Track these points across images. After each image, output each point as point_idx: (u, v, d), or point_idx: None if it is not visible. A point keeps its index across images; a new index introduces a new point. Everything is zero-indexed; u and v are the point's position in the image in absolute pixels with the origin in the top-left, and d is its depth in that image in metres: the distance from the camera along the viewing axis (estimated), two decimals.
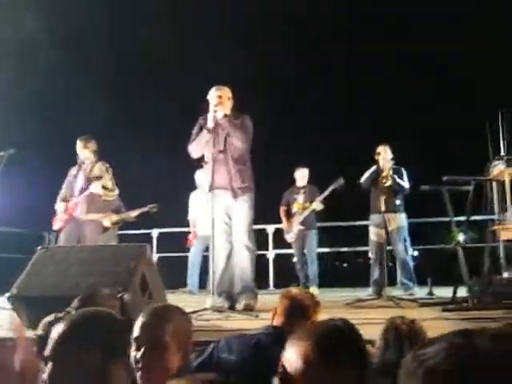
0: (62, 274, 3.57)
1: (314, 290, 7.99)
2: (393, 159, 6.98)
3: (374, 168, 7.02)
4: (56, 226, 6.30)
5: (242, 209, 5.33)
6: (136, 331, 1.94)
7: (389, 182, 6.80)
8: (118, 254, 3.65)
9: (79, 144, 6.53)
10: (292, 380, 1.34)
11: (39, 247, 3.89)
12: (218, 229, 5.32)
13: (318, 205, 8.06)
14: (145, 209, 7.66)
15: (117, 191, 6.62)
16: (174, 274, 9.39)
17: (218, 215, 5.31)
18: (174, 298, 6.77)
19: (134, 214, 7.53)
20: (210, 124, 5.16)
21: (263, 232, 9.47)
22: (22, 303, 3.49)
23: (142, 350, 1.90)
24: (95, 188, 6.27)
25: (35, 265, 3.76)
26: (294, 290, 2.91)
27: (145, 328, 1.94)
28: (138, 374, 1.88)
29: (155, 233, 10.01)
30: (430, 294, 6.69)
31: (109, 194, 6.48)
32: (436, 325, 4.37)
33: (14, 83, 9.22)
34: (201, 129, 5.30)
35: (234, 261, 5.33)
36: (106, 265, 3.53)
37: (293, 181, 8.48)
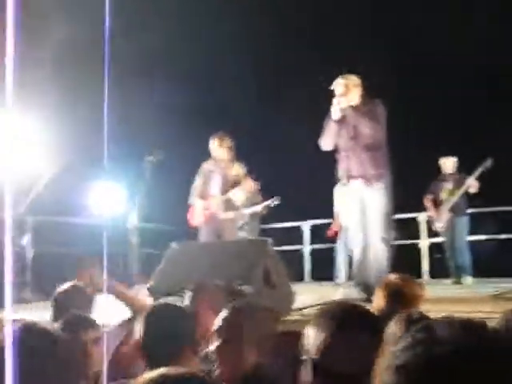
0: (190, 269, 3.80)
1: (466, 280, 7.61)
2: None
3: None
4: (195, 221, 6.41)
5: (376, 197, 5.17)
6: (216, 324, 2.05)
7: None
8: (242, 249, 3.80)
9: (214, 142, 6.48)
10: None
11: (173, 243, 4.17)
12: (353, 219, 5.29)
13: (471, 182, 7.64)
14: (267, 202, 7.81)
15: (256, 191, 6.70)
16: (326, 265, 9.45)
17: (353, 205, 5.28)
18: (316, 289, 6.88)
19: (258, 208, 7.71)
20: (336, 115, 5.14)
21: (414, 221, 9.20)
22: (157, 295, 3.76)
23: (219, 342, 2.00)
24: (238, 196, 6.29)
25: (168, 260, 4.03)
26: (392, 277, 2.86)
27: (224, 322, 2.04)
28: (215, 365, 1.99)
29: (307, 225, 10.12)
30: None
31: (249, 197, 6.60)
32: None
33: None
34: None
35: (370, 252, 5.25)
36: (231, 260, 3.69)
37: (439, 170, 8.16)
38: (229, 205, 6.32)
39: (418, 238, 9.24)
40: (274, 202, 7.64)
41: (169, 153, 6.52)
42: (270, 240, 3.86)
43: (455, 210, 7.82)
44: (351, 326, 1.50)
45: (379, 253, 5.15)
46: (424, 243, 9.13)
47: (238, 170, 6.45)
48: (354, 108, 5.22)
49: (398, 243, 8.37)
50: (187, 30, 10.70)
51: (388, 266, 5.20)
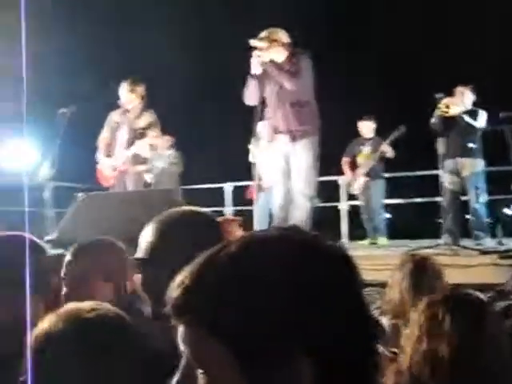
0: (97, 219, 3.69)
1: (382, 240, 7.85)
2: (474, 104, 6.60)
3: (435, 112, 6.59)
4: (106, 183, 5.91)
5: (300, 154, 5.11)
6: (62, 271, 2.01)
7: (455, 111, 6.36)
8: (148, 198, 3.72)
9: (125, 86, 5.91)
10: None
11: (80, 195, 4.04)
12: (276, 176, 5.25)
13: (384, 148, 7.80)
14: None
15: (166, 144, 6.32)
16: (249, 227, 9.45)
17: (276, 162, 5.23)
18: None
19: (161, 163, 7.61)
20: (255, 70, 5.04)
21: (335, 183, 9.30)
22: (61, 247, 3.63)
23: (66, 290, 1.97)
24: (142, 149, 5.79)
25: (75, 211, 3.90)
26: None
27: (67, 268, 2.01)
28: None
29: (229, 187, 10.06)
30: (500, 243, 6.28)
31: (153, 154, 6.15)
32: (487, 271, 4.25)
33: None
34: None
35: (292, 208, 5.21)
36: (137, 210, 3.58)
37: (357, 132, 8.27)
38: (136, 159, 5.87)
39: (338, 200, 9.37)
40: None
41: (81, 107, 6.22)
42: (177, 189, 3.81)
43: (371, 174, 7.95)
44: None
45: (299, 210, 5.11)
46: (343, 206, 9.26)
47: (147, 119, 5.91)
48: (278, 64, 5.10)
49: (320, 205, 8.45)
50: None
51: (308, 223, 5.19)
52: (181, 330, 0.77)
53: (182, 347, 0.77)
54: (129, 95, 5.89)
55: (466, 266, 4.34)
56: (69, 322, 1.20)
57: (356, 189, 8.11)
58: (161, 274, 1.37)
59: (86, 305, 1.28)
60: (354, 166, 8.11)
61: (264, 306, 0.74)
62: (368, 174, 7.95)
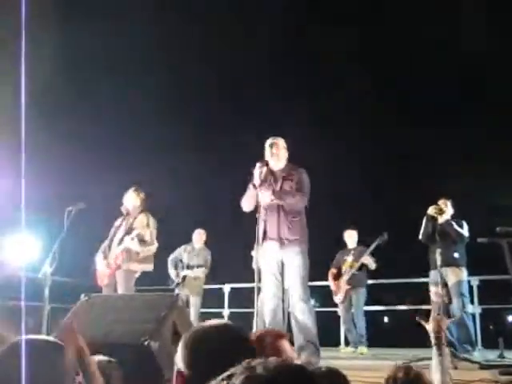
0: (98, 321, 3.70)
1: (362, 349, 7.69)
2: (453, 215, 6.75)
3: (425, 219, 6.70)
4: (102, 282, 6.20)
5: (293, 262, 5.22)
6: None
7: (442, 218, 6.45)
8: (150, 303, 3.75)
9: (132, 192, 6.42)
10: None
11: (82, 296, 4.07)
12: (268, 281, 5.29)
13: (366, 259, 7.93)
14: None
15: (155, 245, 6.33)
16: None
17: (268, 267, 5.29)
18: None
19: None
20: (257, 180, 5.22)
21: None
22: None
23: None
24: (130, 243, 6.06)
25: (76, 312, 3.92)
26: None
27: None
28: None
29: (227, 288, 10.05)
30: (501, 356, 6.14)
31: (145, 250, 6.19)
32: None
33: None
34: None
35: (291, 316, 5.21)
36: (139, 314, 3.62)
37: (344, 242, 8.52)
38: (129, 256, 6.14)
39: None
40: None
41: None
42: (180, 295, 3.85)
43: (352, 283, 7.99)
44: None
45: (303, 315, 5.11)
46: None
47: (141, 220, 6.26)
48: (279, 171, 5.33)
49: (318, 310, 8.34)
50: None
51: (315, 329, 5.15)
52: None
53: None
54: (135, 199, 6.41)
55: (466, 381, 4.24)
56: None
57: (339, 298, 8.14)
58: None
59: None
60: (339, 276, 8.18)
61: None
62: (349, 283, 8.00)
